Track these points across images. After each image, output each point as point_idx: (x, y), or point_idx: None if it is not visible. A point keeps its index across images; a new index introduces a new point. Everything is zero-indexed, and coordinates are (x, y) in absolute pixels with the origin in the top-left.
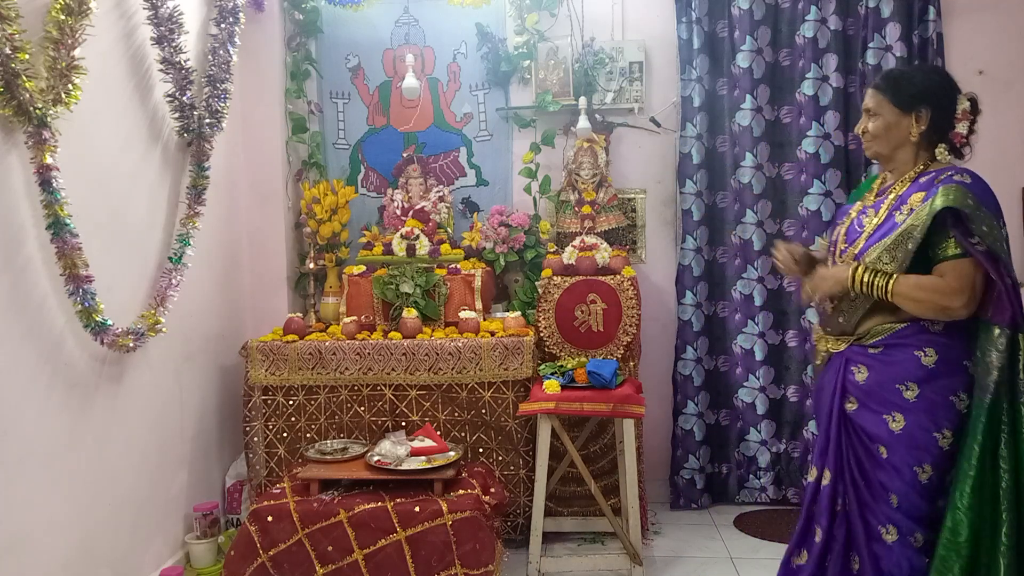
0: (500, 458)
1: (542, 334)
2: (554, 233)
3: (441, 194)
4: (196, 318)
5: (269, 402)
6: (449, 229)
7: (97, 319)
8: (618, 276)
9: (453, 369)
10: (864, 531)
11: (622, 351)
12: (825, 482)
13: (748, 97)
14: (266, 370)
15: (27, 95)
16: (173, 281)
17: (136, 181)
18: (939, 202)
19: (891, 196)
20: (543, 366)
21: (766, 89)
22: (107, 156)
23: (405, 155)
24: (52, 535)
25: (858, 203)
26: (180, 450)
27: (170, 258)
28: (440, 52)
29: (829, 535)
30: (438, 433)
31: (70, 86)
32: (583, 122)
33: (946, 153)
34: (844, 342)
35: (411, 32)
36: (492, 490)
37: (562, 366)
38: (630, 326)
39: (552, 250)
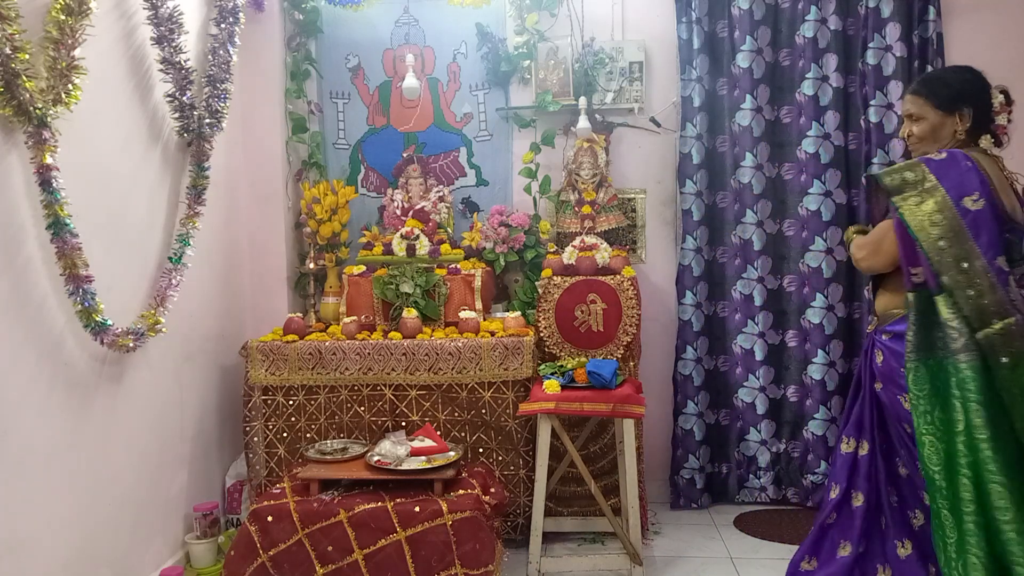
0: (500, 458)
1: (542, 334)
2: (554, 233)
3: (441, 194)
4: (196, 318)
5: (269, 402)
6: (449, 229)
7: (97, 319)
8: (618, 276)
9: (453, 369)
10: (915, 491)
11: (622, 351)
12: (863, 452)
13: (748, 97)
14: (266, 370)
15: (27, 95)
16: (173, 281)
17: (136, 181)
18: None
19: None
20: (543, 366)
21: (766, 89)
22: (107, 156)
23: (405, 155)
24: (52, 535)
25: None
26: (180, 450)
27: (170, 258)
28: (440, 52)
29: (873, 505)
30: (438, 433)
31: (70, 86)
32: (583, 122)
33: (990, 141)
34: (872, 323)
35: (411, 32)
36: (492, 490)
37: (562, 366)
38: (630, 326)
39: (552, 250)
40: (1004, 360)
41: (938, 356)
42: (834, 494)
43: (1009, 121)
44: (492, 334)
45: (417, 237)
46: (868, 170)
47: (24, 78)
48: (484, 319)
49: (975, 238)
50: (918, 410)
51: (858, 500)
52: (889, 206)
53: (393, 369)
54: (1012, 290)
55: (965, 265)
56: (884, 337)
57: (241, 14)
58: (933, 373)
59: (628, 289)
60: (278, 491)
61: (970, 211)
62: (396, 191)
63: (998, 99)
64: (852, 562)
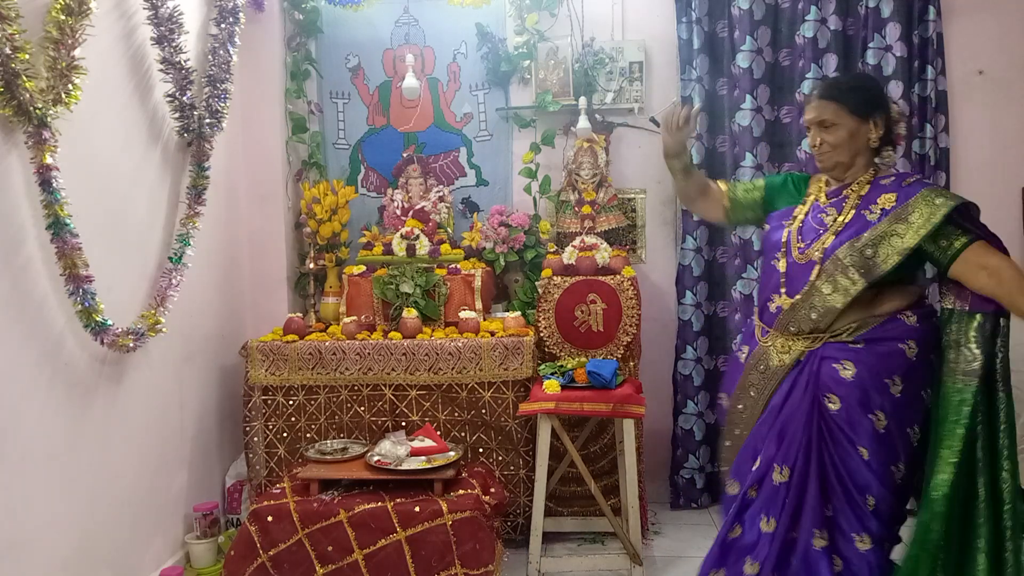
0: (500, 458)
1: (542, 334)
2: (554, 233)
3: (441, 194)
4: (196, 318)
5: (269, 402)
6: (449, 229)
7: (97, 319)
8: (618, 276)
9: (453, 369)
10: (840, 535)
11: (622, 351)
12: (783, 479)
13: (748, 97)
14: (266, 370)
15: (27, 95)
16: (173, 281)
17: (136, 181)
18: (943, 204)
19: (852, 197)
20: (543, 366)
21: (766, 89)
22: (107, 156)
23: (405, 155)
24: (52, 535)
25: (799, 206)
26: (180, 450)
27: (170, 258)
28: (440, 52)
29: (787, 529)
30: (438, 433)
31: (70, 86)
32: (583, 122)
33: (892, 153)
34: (817, 340)
35: (411, 32)
36: (492, 490)
37: (562, 366)
38: (630, 326)
39: (552, 250)
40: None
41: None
42: (768, 527)
43: (902, 131)
44: (492, 334)
45: (417, 237)
46: None
47: (24, 78)
48: (484, 319)
49: None
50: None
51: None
52: (968, 228)
53: (393, 369)
54: None
55: None
56: (857, 345)
57: (241, 14)
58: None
59: (628, 289)
60: (278, 491)
61: None
62: (396, 191)
63: (895, 109)
64: None
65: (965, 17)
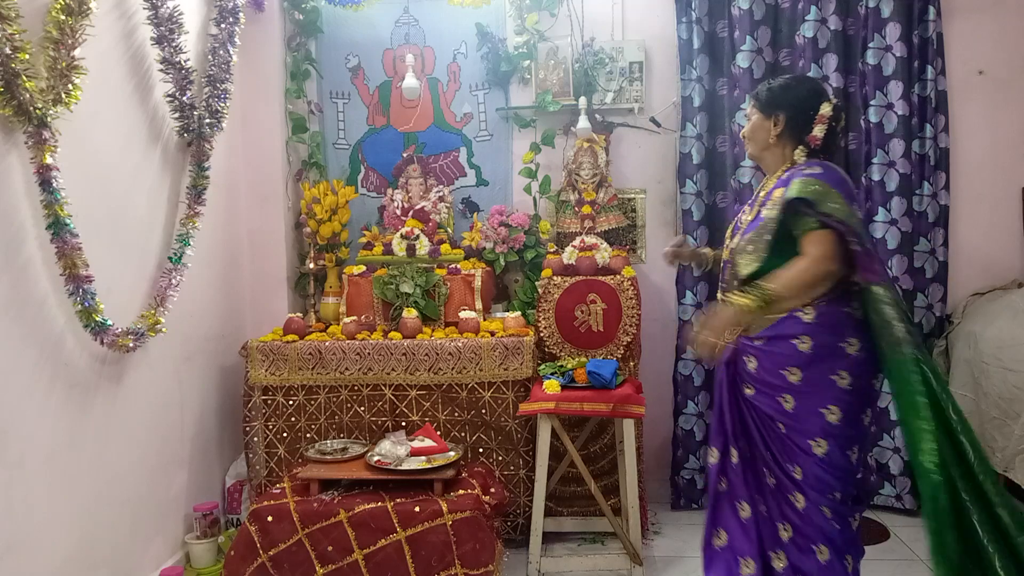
0: (500, 458)
1: (542, 334)
2: (554, 233)
3: (441, 194)
4: (196, 318)
5: (269, 402)
6: (449, 229)
7: (97, 319)
8: (618, 276)
9: (453, 369)
10: (783, 500)
11: (622, 351)
12: (735, 460)
13: (748, 97)
14: (266, 370)
15: (27, 95)
16: (173, 281)
17: (136, 181)
18: (788, 193)
19: (762, 194)
20: (543, 366)
21: None
22: (107, 156)
23: (405, 155)
24: (52, 535)
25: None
26: (180, 450)
27: (170, 258)
28: (440, 52)
29: (755, 507)
30: (438, 433)
31: (70, 86)
32: (583, 122)
33: (802, 154)
34: (734, 333)
35: (411, 32)
36: (492, 490)
37: (562, 366)
38: (630, 326)
39: (552, 250)
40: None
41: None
42: (744, 513)
43: (834, 136)
44: (492, 334)
45: (417, 237)
46: (868, 170)
47: (24, 78)
48: (484, 319)
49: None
50: (924, 408)
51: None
52: (814, 215)
53: (393, 369)
54: None
55: None
56: (758, 343)
57: (241, 14)
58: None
59: (628, 289)
60: (278, 491)
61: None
62: (396, 191)
63: (824, 110)
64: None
65: (965, 17)
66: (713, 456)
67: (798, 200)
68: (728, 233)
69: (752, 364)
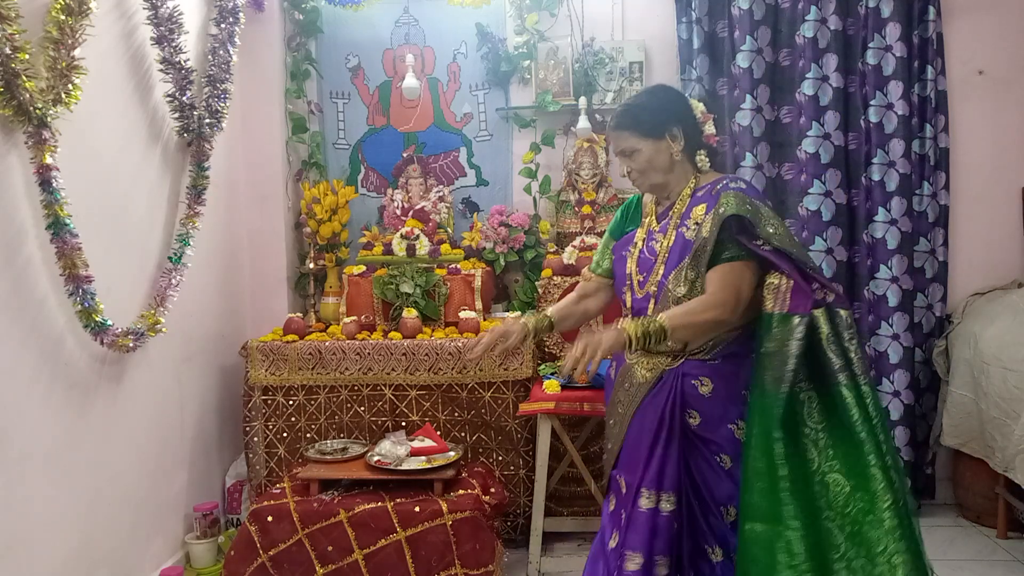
0: (500, 458)
1: None
2: (554, 233)
3: (441, 194)
4: (196, 318)
5: (269, 402)
6: (449, 229)
7: (97, 319)
8: None
9: (453, 369)
10: (693, 551)
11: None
12: (670, 508)
13: (748, 97)
14: (266, 370)
15: (27, 95)
16: (173, 281)
17: (136, 181)
18: (723, 210)
19: (674, 216)
20: (543, 366)
21: (766, 89)
22: (107, 156)
23: (405, 155)
24: (52, 535)
25: (638, 230)
26: (180, 450)
27: (170, 258)
28: (440, 52)
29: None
30: (438, 433)
31: (70, 86)
32: (583, 122)
33: (705, 157)
34: (677, 358)
35: (411, 32)
36: (492, 490)
37: (562, 366)
38: None
39: (552, 250)
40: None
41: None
42: (632, 566)
43: (718, 128)
44: None
45: (417, 237)
46: (868, 170)
47: (24, 78)
48: (484, 319)
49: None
50: (819, 444)
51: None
52: (741, 242)
53: (393, 369)
54: None
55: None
56: (711, 362)
57: (241, 14)
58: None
59: None
60: (278, 491)
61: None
62: (396, 191)
63: (699, 108)
64: None
65: (965, 17)
66: (646, 502)
67: (734, 218)
68: (633, 269)
69: (706, 387)
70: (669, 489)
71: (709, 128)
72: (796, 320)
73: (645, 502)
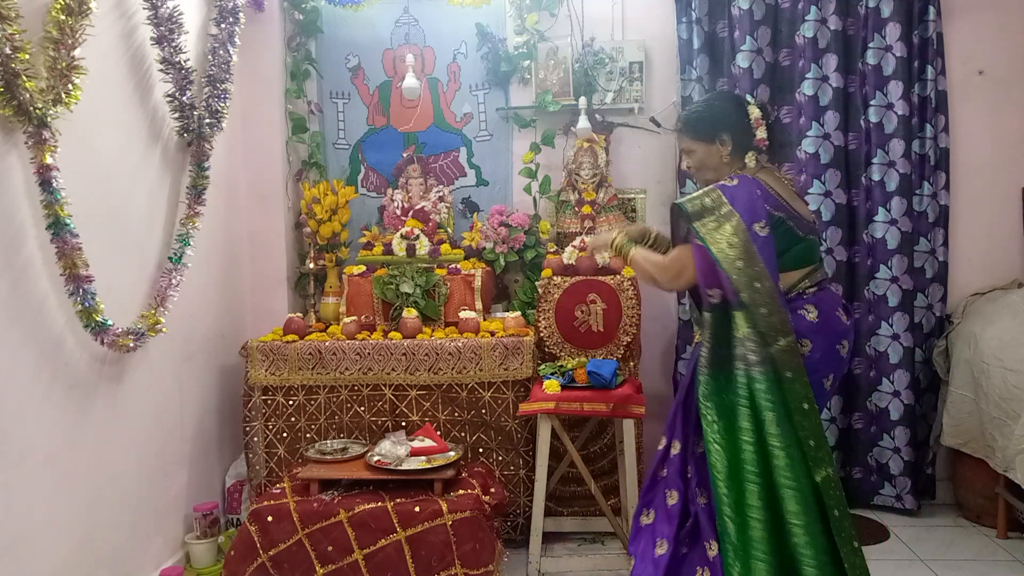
0: (500, 458)
1: (542, 334)
2: (554, 233)
3: (441, 194)
4: (196, 318)
5: (269, 402)
6: (449, 229)
7: (97, 319)
8: (618, 276)
9: (453, 369)
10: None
11: (622, 351)
12: (675, 451)
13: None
14: (266, 370)
15: (27, 95)
16: (173, 281)
17: (136, 181)
18: (677, 199)
19: None
20: (543, 366)
21: (766, 89)
22: (107, 156)
23: (405, 155)
24: (52, 535)
25: None
26: (180, 450)
27: (170, 258)
28: (440, 52)
29: (685, 501)
30: (438, 433)
31: (70, 86)
32: (583, 122)
33: (754, 158)
34: (699, 333)
35: (411, 32)
36: (492, 490)
37: (562, 366)
38: (630, 326)
39: (552, 250)
40: (788, 375)
41: (727, 370)
42: (672, 500)
43: (771, 131)
44: (492, 334)
45: (417, 237)
46: (868, 170)
47: (24, 78)
48: (484, 319)
49: (764, 261)
50: (707, 419)
51: (672, 499)
52: (689, 231)
53: (393, 369)
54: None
55: (758, 285)
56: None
57: (241, 14)
58: (722, 386)
59: (628, 289)
60: (278, 491)
61: (759, 236)
62: (396, 191)
63: (754, 114)
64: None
65: (965, 17)
66: (661, 443)
67: (676, 207)
68: None
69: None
70: (675, 437)
71: (760, 133)
72: (705, 315)
73: (660, 445)
